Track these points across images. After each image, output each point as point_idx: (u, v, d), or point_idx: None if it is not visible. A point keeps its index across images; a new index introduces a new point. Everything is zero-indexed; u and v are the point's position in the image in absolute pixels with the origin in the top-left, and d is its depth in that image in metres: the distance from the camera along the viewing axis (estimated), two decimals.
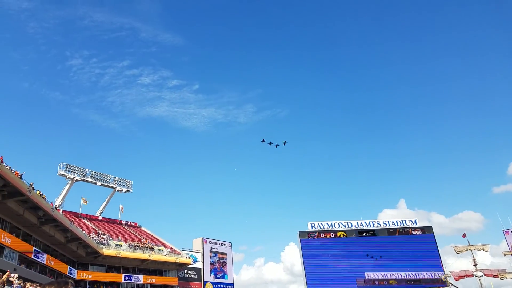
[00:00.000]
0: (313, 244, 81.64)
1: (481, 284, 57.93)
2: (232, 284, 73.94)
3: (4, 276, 15.32)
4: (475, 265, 59.95)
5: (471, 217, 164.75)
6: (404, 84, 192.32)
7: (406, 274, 76.89)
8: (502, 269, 61.61)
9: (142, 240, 60.62)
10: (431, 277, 74.40)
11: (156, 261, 57.84)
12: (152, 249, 58.53)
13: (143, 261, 56.40)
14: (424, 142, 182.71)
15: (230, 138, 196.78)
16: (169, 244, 64.83)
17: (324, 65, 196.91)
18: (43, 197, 34.71)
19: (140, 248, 56.98)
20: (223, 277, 72.94)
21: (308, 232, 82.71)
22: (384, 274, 76.97)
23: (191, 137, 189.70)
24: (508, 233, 78.99)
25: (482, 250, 61.67)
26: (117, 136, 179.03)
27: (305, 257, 79.70)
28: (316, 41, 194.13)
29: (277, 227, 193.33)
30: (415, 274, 76.74)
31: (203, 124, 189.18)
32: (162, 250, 60.27)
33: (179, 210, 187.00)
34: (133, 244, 56.32)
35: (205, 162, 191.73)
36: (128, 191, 66.40)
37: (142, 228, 69.12)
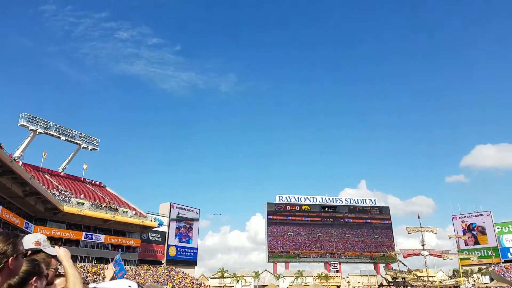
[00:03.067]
0: (279, 215, 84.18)
1: (426, 262, 62.42)
2: (196, 249, 75.48)
3: None
4: (423, 245, 64.17)
5: (423, 202, 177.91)
6: (379, 72, 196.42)
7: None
8: (445, 250, 66.50)
9: (106, 200, 60.10)
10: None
11: (120, 222, 57.33)
12: (116, 210, 58.03)
13: (105, 221, 55.71)
14: (389, 130, 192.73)
15: (209, 106, 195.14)
16: (134, 206, 64.52)
17: (312, 42, 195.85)
18: (1, 147, 33.56)
19: (103, 208, 56.32)
20: (187, 242, 74.16)
21: (275, 204, 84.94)
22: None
23: (168, 101, 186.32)
24: (456, 219, 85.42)
25: (431, 232, 65.73)
26: (87, 91, 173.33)
27: (269, 226, 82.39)
28: (306, 14, 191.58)
29: (245, 198, 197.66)
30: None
31: (182, 88, 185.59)
32: (127, 212, 59.95)
33: (148, 174, 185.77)
34: (96, 203, 55.80)
35: (180, 128, 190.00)
36: (94, 149, 65.07)
37: (107, 188, 68.52)
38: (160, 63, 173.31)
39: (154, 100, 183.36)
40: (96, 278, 44.61)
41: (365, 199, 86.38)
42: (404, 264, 70.38)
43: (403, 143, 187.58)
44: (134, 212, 61.64)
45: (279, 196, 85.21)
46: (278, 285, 76.55)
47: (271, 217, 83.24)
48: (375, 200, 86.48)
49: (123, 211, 59.27)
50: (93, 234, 55.03)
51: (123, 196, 67.89)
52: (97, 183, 67.67)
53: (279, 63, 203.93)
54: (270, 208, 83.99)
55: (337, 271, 78.70)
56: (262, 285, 78.59)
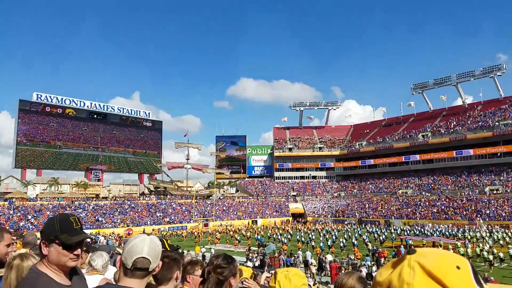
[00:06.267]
0: (34, 116, 71.29)
1: (187, 174, 68.27)
2: None
3: None
4: (187, 159, 69.36)
5: (192, 121, 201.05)
6: None
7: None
8: (205, 165, 74.77)
9: None
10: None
11: None
12: None
13: None
14: (167, 49, 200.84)
15: None
16: None
17: None
18: None
19: None
20: None
21: (32, 103, 71.05)
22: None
23: None
24: (219, 139, 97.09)
25: (196, 149, 71.40)
26: None
27: (20, 127, 68.98)
28: None
29: None
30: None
31: None
32: None
33: None
34: None
35: None
36: None
37: None
38: None
39: None
40: None
41: (139, 111, 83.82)
42: (168, 175, 74.85)
43: (180, 65, 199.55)
44: None
45: (38, 94, 71.57)
46: (26, 193, 66.82)
47: (23, 117, 69.55)
48: (149, 113, 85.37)
49: None
50: None
51: None
52: None
53: None
54: (24, 107, 69.89)
55: (99, 180, 75.47)
56: (5, 192, 66.86)
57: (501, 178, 62.56)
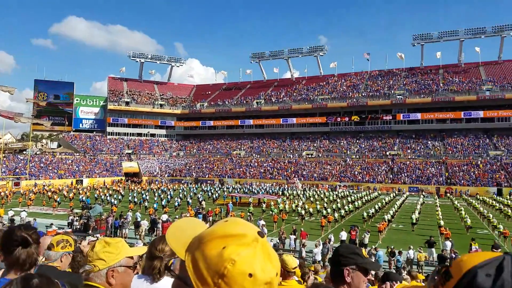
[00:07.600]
0: None
1: None
2: None
3: None
4: None
5: (3, 58, 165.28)
6: None
7: None
8: (19, 113, 62.03)
9: None
10: None
11: None
12: None
13: None
14: None
15: None
16: None
17: None
18: None
19: None
20: None
21: None
22: None
23: None
24: (41, 83, 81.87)
25: (7, 92, 58.36)
26: None
27: None
28: None
29: None
30: None
31: None
32: None
33: None
34: None
35: None
36: None
37: None
38: None
39: None
40: None
41: None
42: None
43: None
44: None
45: None
46: None
47: None
48: None
49: None
50: None
51: None
52: None
53: None
54: None
55: None
56: None
57: (315, 144, 73.56)
